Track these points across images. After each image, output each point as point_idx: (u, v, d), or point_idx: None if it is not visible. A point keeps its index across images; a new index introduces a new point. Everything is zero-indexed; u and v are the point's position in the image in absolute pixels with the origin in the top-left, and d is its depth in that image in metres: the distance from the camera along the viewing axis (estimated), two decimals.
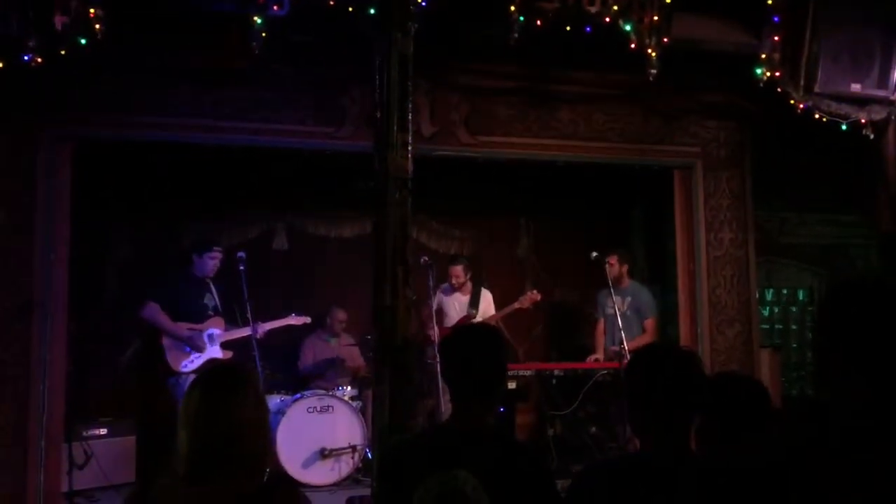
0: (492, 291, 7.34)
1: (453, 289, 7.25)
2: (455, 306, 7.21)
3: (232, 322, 6.43)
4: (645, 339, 6.60)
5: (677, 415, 2.11)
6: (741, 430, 2.41)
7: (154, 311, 6.12)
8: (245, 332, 6.34)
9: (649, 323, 6.83)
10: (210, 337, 6.25)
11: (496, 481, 2.20)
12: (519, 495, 2.23)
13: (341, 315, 7.38)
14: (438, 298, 7.15)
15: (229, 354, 6.35)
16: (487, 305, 7.20)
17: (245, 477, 1.95)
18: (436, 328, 6.68)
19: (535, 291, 7.21)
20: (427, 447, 2.44)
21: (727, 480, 1.82)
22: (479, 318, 6.99)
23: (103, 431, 6.20)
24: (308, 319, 6.85)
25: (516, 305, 7.12)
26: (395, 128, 3.81)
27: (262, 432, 2.06)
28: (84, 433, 5.96)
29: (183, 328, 6.15)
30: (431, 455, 2.33)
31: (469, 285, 7.27)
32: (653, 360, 2.26)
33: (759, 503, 1.58)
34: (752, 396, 2.54)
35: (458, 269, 7.20)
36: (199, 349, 6.15)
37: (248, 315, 6.24)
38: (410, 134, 3.99)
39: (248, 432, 1.97)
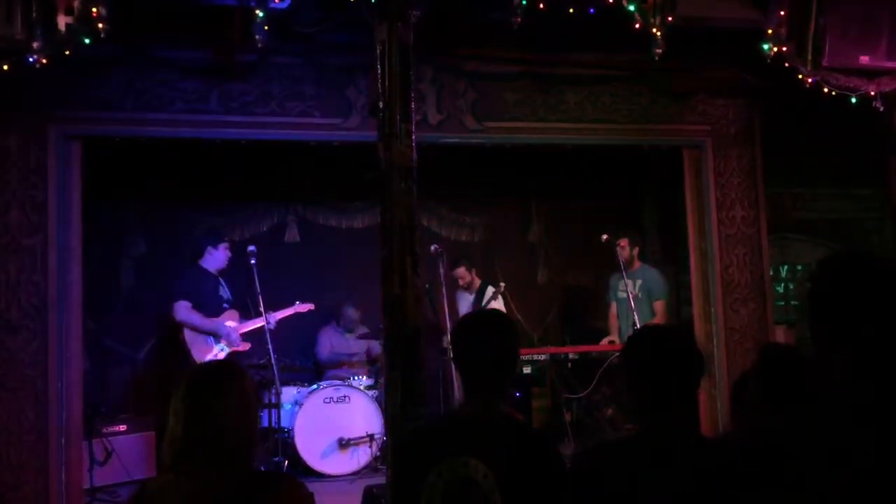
0: (504, 277, 7.31)
1: (463, 288, 7.27)
2: (465, 306, 7.23)
3: (245, 314, 6.47)
4: (656, 322, 6.57)
5: (670, 393, 2.13)
6: (786, 400, 2.42)
7: (187, 310, 6.15)
8: (258, 322, 6.37)
9: (659, 305, 6.80)
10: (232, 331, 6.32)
11: (507, 469, 2.22)
12: (530, 482, 2.23)
13: (353, 314, 7.37)
14: (456, 295, 7.16)
15: (247, 346, 6.39)
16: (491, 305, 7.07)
17: (227, 469, 2.05)
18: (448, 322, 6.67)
19: None
20: (439, 435, 2.45)
21: (722, 461, 1.81)
22: None
23: (123, 428, 6.25)
24: (312, 306, 6.85)
25: None
26: (398, 117, 3.80)
27: (245, 428, 2.14)
28: (104, 430, 6.02)
29: (217, 323, 6.23)
30: (443, 443, 2.34)
31: (476, 283, 7.27)
32: (646, 340, 2.31)
33: (751, 484, 1.57)
34: (793, 365, 2.54)
35: (461, 271, 7.21)
36: (232, 343, 6.22)
37: (261, 308, 6.29)
38: (416, 122, 3.99)
39: (228, 429, 2.08)
